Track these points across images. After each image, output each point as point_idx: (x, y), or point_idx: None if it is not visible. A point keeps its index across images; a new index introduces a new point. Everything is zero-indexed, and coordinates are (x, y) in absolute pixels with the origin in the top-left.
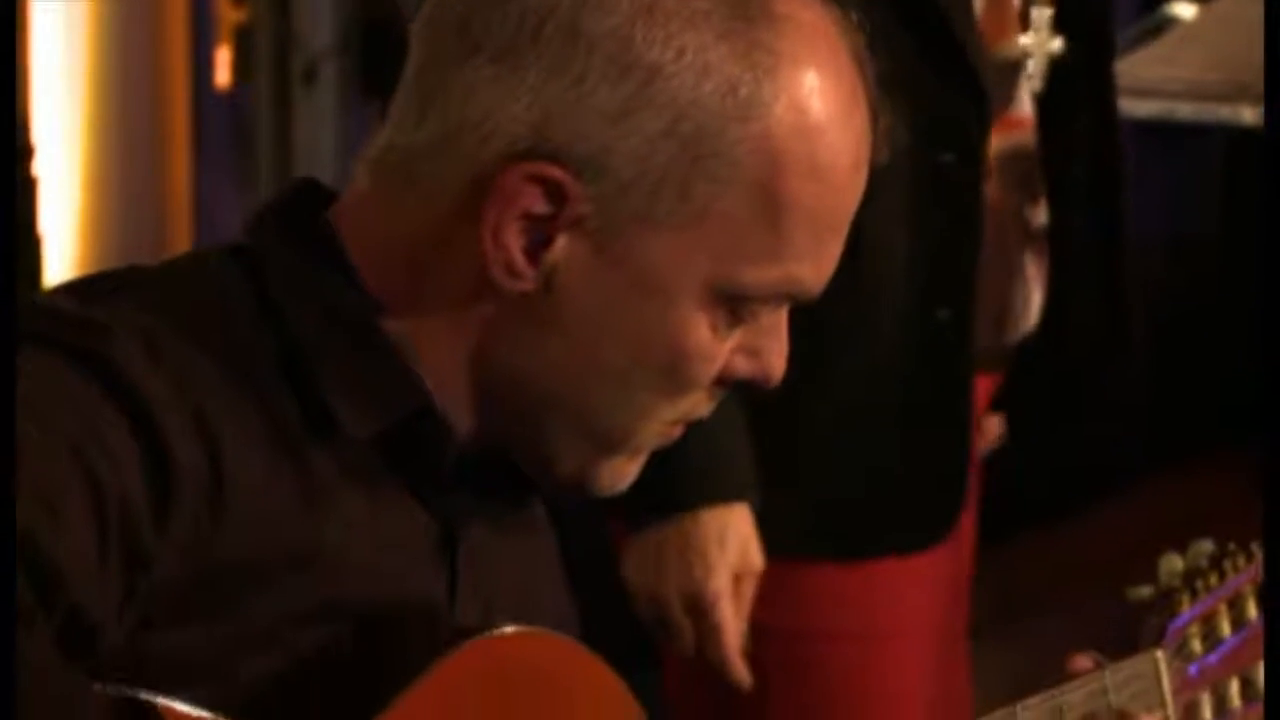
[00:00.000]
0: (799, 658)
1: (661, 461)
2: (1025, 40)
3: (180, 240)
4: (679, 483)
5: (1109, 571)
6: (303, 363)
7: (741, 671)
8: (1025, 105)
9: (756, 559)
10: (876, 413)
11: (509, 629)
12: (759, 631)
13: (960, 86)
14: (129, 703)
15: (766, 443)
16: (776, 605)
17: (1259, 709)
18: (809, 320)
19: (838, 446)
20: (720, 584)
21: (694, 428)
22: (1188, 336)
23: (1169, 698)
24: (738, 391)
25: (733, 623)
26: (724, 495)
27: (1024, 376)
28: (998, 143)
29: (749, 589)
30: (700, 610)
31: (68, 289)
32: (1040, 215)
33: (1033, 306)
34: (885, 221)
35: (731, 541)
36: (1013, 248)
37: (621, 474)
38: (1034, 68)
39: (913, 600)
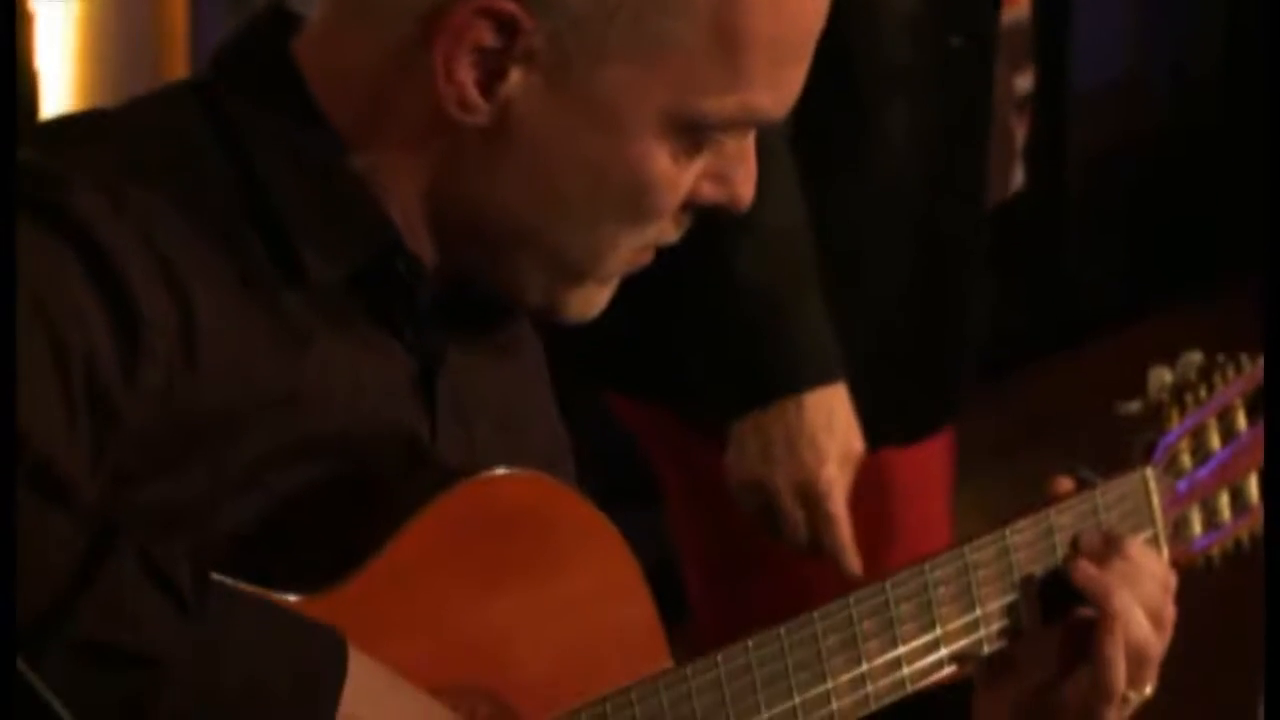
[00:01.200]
0: None
1: (756, 345)
2: None
3: (177, 77)
4: (779, 366)
5: (1105, 405)
6: (269, 206)
7: (856, 560)
8: None
9: (859, 442)
10: (882, 301)
11: (499, 471)
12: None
13: None
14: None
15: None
16: None
17: (1248, 520)
18: (817, 208)
19: (843, 337)
20: (833, 471)
21: (786, 308)
22: (1189, 174)
23: (1159, 515)
24: (706, 218)
25: (845, 510)
26: (826, 376)
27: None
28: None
29: (851, 473)
30: (813, 499)
31: (31, 138)
32: (1026, 81)
33: (1018, 168)
34: (893, 107)
35: (838, 425)
36: (1004, 115)
37: (591, 302)
38: None
39: (918, 478)
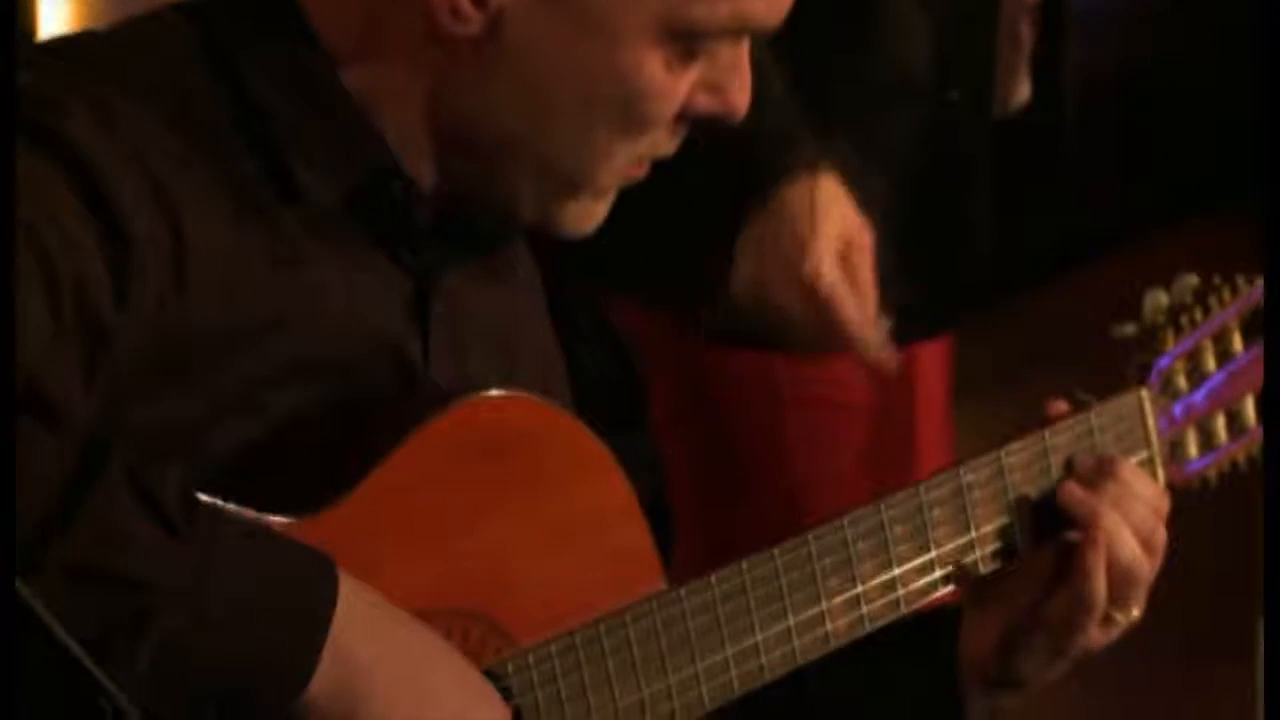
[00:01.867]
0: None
1: (736, 160)
2: None
3: None
4: (757, 172)
5: (1105, 329)
6: (263, 127)
7: (873, 339)
8: None
9: (859, 226)
10: (888, 196)
11: (493, 393)
12: (770, 392)
13: None
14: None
15: None
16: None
17: (1245, 442)
18: (822, 101)
19: None
20: (820, 248)
21: (756, 115)
22: (1187, 96)
23: (1154, 436)
24: (701, 126)
25: (848, 292)
26: (802, 164)
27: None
28: None
29: (862, 261)
30: (806, 286)
31: (28, 61)
32: None
33: (1026, 77)
34: (893, 9)
35: (824, 207)
36: (1013, 20)
37: (588, 215)
38: None
39: (934, 374)
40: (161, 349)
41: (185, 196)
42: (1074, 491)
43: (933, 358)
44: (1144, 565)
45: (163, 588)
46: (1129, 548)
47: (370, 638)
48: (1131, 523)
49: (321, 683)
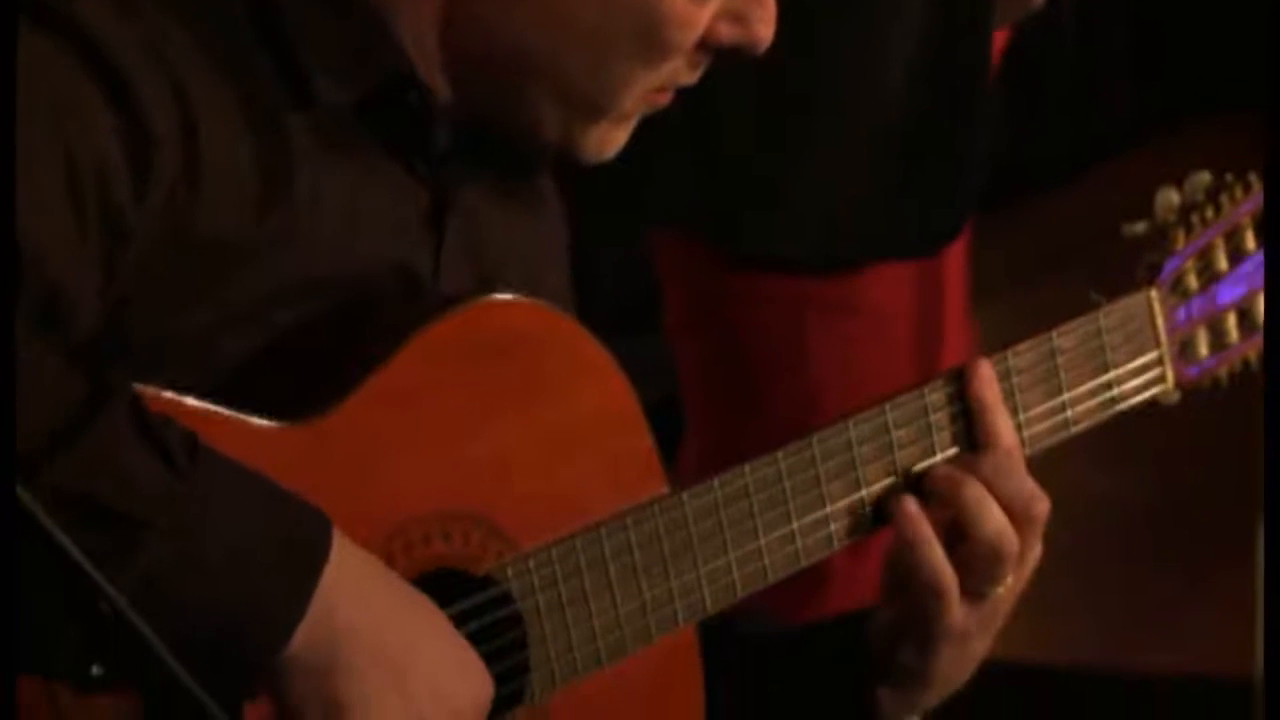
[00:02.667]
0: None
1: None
2: None
3: None
4: None
5: (1114, 233)
6: (280, 28)
7: None
8: None
9: None
10: (888, 127)
11: (498, 296)
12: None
13: None
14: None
15: (779, 157)
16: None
17: (1256, 341)
18: (824, 43)
19: (849, 160)
20: None
21: None
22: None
23: (1163, 335)
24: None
25: None
26: None
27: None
28: None
29: None
30: None
31: None
32: None
33: None
34: None
35: None
36: None
37: (609, 140)
38: None
39: (950, 280)
40: (171, 252)
41: (200, 94)
42: (949, 473)
43: (955, 261)
44: (1013, 540)
45: (153, 525)
46: (994, 521)
47: (357, 597)
48: (1003, 495)
49: (304, 638)
